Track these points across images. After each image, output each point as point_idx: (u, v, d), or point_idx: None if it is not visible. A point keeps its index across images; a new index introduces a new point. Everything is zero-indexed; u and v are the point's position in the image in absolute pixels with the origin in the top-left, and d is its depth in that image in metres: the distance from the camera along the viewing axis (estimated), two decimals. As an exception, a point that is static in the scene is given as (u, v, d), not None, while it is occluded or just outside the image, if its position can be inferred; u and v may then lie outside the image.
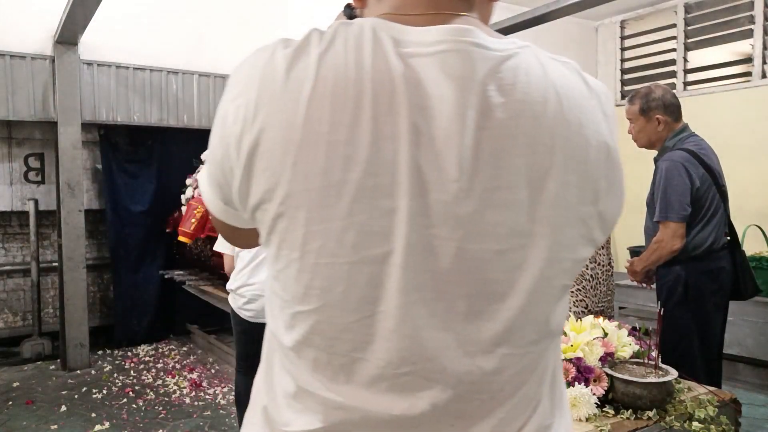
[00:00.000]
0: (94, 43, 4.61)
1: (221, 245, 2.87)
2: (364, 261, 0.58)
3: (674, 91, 6.10)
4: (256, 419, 0.70)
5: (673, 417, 1.76)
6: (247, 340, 2.73)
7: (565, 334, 1.92)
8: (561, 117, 0.61)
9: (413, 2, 0.64)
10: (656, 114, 2.60)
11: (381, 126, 0.57)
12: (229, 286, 2.77)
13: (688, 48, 6.23)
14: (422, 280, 0.58)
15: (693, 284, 2.50)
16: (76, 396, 3.90)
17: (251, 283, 2.66)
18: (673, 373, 1.80)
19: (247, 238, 0.76)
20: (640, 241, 2.80)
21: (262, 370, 0.71)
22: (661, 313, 1.94)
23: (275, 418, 0.67)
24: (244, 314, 2.68)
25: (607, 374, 1.80)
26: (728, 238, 2.60)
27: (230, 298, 2.77)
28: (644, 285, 2.79)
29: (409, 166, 0.57)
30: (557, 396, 0.70)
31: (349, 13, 0.82)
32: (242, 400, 2.80)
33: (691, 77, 6.18)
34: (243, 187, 0.61)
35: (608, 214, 0.66)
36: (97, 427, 3.38)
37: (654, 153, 2.71)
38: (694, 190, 2.46)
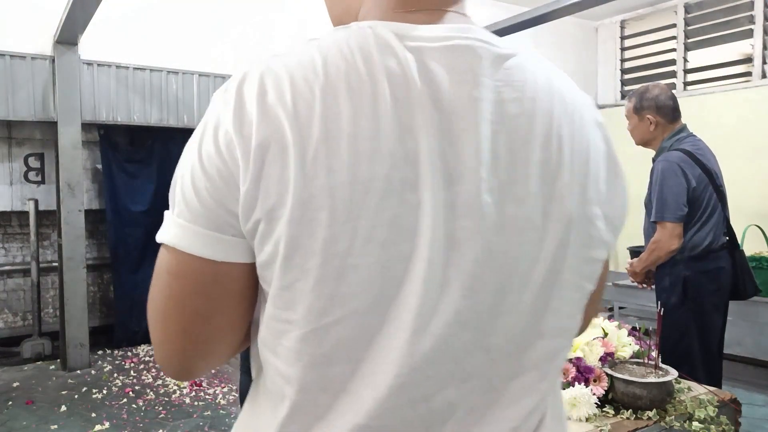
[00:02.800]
0: (94, 43, 4.61)
1: None
2: (393, 259, 0.55)
3: (674, 91, 6.12)
4: None
5: (673, 417, 1.76)
6: None
7: (565, 334, 1.92)
8: (567, 116, 0.62)
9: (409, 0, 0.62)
10: (647, 114, 2.61)
11: (401, 118, 0.55)
12: None
13: (688, 48, 6.23)
14: (448, 274, 0.57)
15: (692, 284, 2.51)
16: (76, 396, 3.90)
17: None
18: (673, 373, 1.80)
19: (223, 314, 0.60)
20: (641, 241, 2.81)
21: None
22: (661, 313, 1.94)
23: None
24: None
25: (607, 374, 1.80)
26: (727, 238, 2.60)
27: None
28: (644, 286, 2.80)
29: (431, 159, 0.55)
30: (559, 401, 0.70)
31: None
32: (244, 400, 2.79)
33: (691, 77, 6.19)
34: (249, 196, 0.54)
35: (613, 216, 0.66)
36: (97, 427, 3.38)
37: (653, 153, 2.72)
38: (690, 190, 2.46)
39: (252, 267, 0.58)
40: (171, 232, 0.58)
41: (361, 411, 0.57)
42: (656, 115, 2.61)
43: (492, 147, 0.58)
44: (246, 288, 0.59)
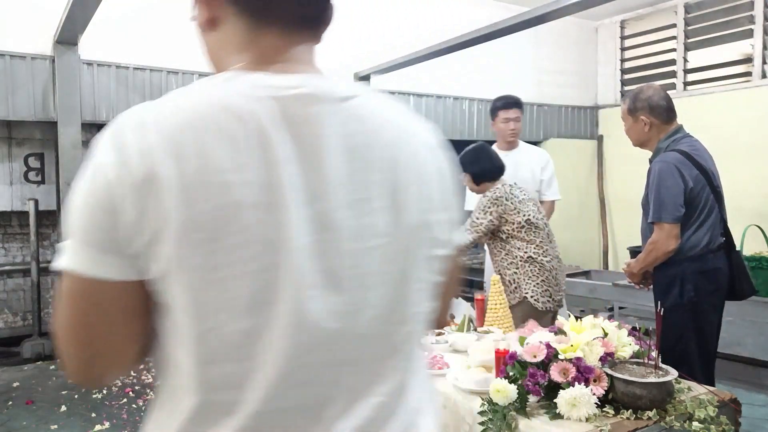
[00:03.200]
0: (94, 43, 4.61)
1: None
2: (264, 268, 0.67)
3: (674, 91, 6.12)
4: None
5: (673, 417, 1.76)
6: None
7: (564, 333, 1.92)
8: (404, 143, 0.78)
9: (267, 55, 0.75)
10: (641, 115, 2.61)
11: (264, 153, 0.67)
12: None
13: (688, 48, 6.23)
14: (315, 277, 0.69)
15: (690, 285, 2.50)
16: (76, 396, 3.90)
17: None
18: (673, 373, 1.80)
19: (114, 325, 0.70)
20: (638, 240, 2.81)
21: None
22: (661, 314, 1.94)
23: None
24: None
25: (607, 374, 1.80)
26: (724, 239, 2.60)
27: None
28: (642, 287, 2.80)
29: (292, 184, 0.68)
30: (419, 383, 0.83)
31: None
32: None
33: (691, 77, 6.19)
34: (135, 224, 0.65)
35: (451, 219, 0.83)
36: (97, 427, 3.38)
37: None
38: (687, 190, 2.46)
39: (142, 283, 0.67)
40: (68, 258, 0.68)
41: (258, 400, 0.68)
42: (650, 116, 2.61)
43: (345, 171, 0.71)
44: (139, 302, 0.69)
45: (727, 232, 2.60)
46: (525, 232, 2.88)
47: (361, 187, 0.73)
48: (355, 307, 0.72)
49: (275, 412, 0.70)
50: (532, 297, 2.86)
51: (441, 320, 0.93)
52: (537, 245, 2.88)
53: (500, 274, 2.94)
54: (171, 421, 0.71)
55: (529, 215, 2.88)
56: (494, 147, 3.75)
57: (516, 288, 2.86)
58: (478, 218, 2.91)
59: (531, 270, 2.88)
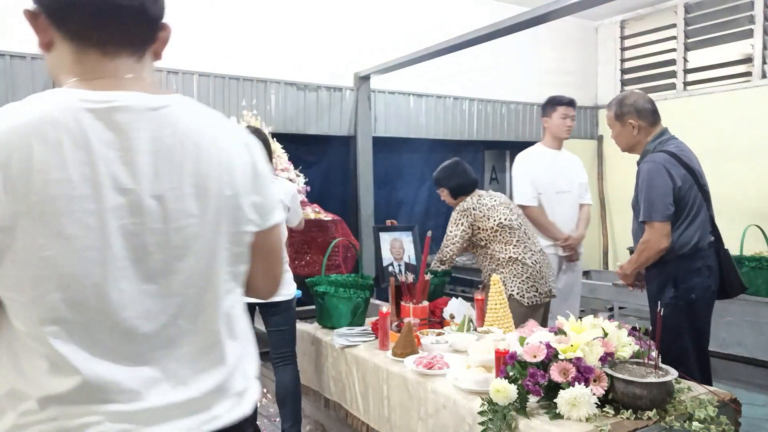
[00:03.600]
0: (94, 43, 4.61)
1: None
2: (85, 247, 0.86)
3: (674, 91, 6.12)
4: None
5: (673, 417, 1.76)
6: None
7: (564, 333, 1.92)
8: (213, 141, 0.98)
9: (90, 73, 0.94)
10: (629, 119, 2.68)
11: (82, 155, 0.85)
12: None
13: (688, 48, 6.23)
14: (134, 253, 0.90)
15: (683, 283, 2.54)
16: (76, 396, 3.90)
17: None
18: (673, 373, 1.80)
19: None
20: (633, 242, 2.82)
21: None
22: (661, 314, 1.94)
23: None
24: None
25: (607, 374, 1.80)
26: (713, 237, 2.62)
27: None
28: (635, 287, 2.80)
29: (108, 180, 0.87)
30: (237, 332, 1.04)
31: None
32: None
33: (691, 77, 6.19)
34: None
35: (260, 203, 1.04)
36: (97, 427, 3.38)
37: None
38: (676, 189, 2.51)
39: None
40: None
41: (83, 359, 0.87)
42: (638, 119, 2.67)
43: (153, 167, 0.91)
44: None
45: (715, 231, 2.63)
46: (500, 234, 3.05)
47: (172, 178, 0.93)
48: (168, 272, 0.94)
49: (98, 375, 0.88)
50: (517, 294, 3.01)
51: (257, 286, 1.13)
52: (515, 245, 3.04)
53: (489, 276, 3.06)
54: (20, 378, 0.88)
55: (500, 219, 3.05)
56: (540, 145, 3.80)
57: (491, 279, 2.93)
58: (451, 231, 3.09)
59: (514, 269, 3.04)
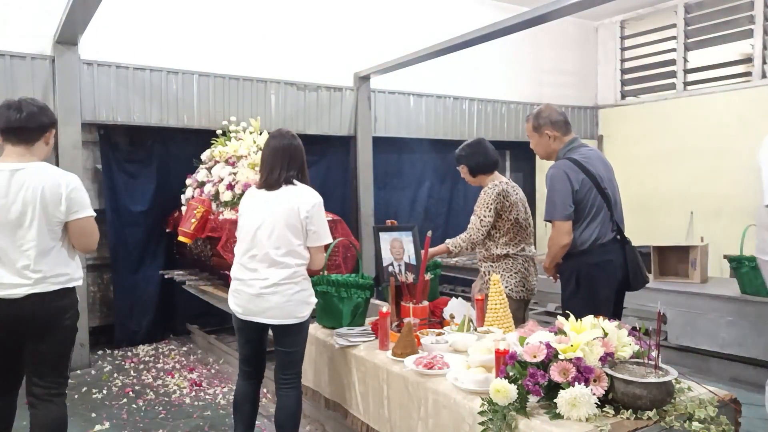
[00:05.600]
0: (94, 43, 4.61)
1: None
2: (10, 248, 2.24)
3: (674, 91, 6.13)
4: None
5: (673, 417, 1.76)
6: (240, 340, 2.68)
7: (564, 333, 1.92)
8: (46, 184, 2.23)
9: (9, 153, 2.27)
10: (545, 130, 2.94)
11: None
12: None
13: (688, 48, 6.23)
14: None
15: (584, 276, 2.78)
16: (76, 396, 3.90)
17: (237, 276, 2.61)
18: (673, 373, 1.80)
19: None
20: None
21: None
22: (661, 313, 1.94)
23: None
24: (232, 309, 2.64)
25: (607, 374, 1.80)
26: (616, 235, 2.83)
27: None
28: (555, 279, 3.02)
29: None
30: None
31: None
32: (237, 406, 2.71)
33: (691, 77, 6.19)
34: None
35: (70, 209, 2.28)
36: (97, 427, 3.38)
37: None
38: (574, 192, 2.76)
39: None
40: None
41: None
42: (553, 129, 2.92)
43: (15, 204, 2.20)
44: None
45: (619, 229, 2.86)
46: (511, 231, 3.17)
47: (26, 209, 2.19)
48: (7, 259, 2.20)
49: None
50: (506, 287, 3.13)
51: (81, 243, 2.40)
52: (516, 243, 3.18)
53: (483, 266, 3.25)
54: None
55: (518, 215, 3.17)
56: None
57: (491, 280, 2.93)
58: (485, 216, 3.14)
59: (506, 264, 3.18)
